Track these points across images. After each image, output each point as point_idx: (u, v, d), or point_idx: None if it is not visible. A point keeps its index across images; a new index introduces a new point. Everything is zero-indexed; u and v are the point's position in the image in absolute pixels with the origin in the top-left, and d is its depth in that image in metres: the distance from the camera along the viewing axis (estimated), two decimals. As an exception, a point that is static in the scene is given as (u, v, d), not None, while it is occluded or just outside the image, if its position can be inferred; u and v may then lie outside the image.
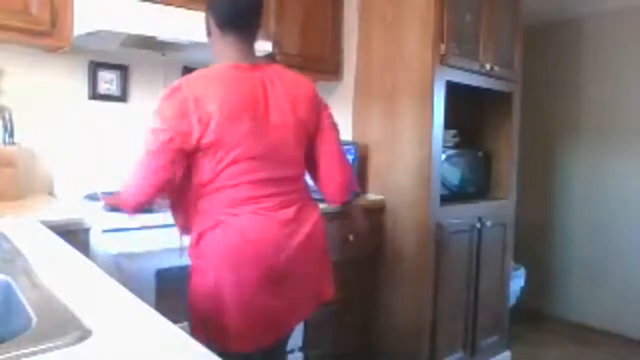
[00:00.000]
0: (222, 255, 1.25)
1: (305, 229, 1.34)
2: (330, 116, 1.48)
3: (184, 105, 1.20)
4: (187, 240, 1.36)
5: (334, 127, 1.48)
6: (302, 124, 1.35)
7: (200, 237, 1.29)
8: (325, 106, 1.47)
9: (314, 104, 1.40)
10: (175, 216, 1.39)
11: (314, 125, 1.40)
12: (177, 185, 1.27)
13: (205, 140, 1.21)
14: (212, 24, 1.32)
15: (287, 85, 1.34)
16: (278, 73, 1.36)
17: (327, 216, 2.16)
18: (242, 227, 1.26)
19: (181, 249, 1.39)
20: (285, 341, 1.55)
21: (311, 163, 1.46)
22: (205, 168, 1.26)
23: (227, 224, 1.26)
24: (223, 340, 1.25)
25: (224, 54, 1.33)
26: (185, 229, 1.37)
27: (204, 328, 1.28)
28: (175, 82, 1.26)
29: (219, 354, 1.32)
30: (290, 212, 1.31)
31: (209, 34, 1.36)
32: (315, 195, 1.53)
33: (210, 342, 1.17)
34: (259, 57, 2.21)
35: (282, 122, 1.30)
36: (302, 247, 1.32)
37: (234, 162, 1.24)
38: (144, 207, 1.30)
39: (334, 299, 1.50)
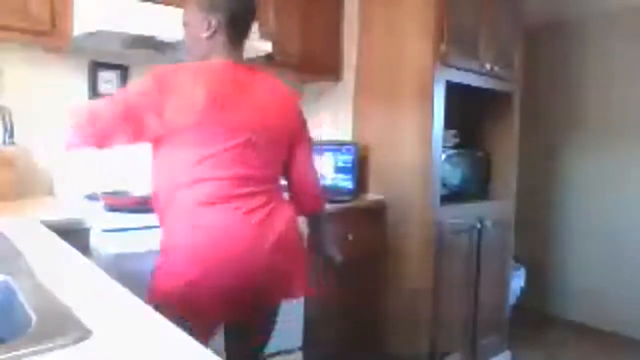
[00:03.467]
0: (190, 254, 1.24)
1: (278, 228, 1.32)
2: (308, 131, 1.51)
3: (164, 83, 1.24)
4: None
5: (311, 141, 1.51)
6: (278, 130, 1.37)
7: (170, 231, 1.30)
8: (304, 120, 1.49)
9: (294, 114, 1.44)
10: (155, 206, 1.39)
11: (291, 135, 1.41)
12: (162, 176, 1.30)
13: (171, 127, 1.23)
14: (215, 22, 1.33)
15: (271, 92, 1.38)
16: (264, 79, 1.39)
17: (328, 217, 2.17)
18: (212, 228, 1.25)
19: None
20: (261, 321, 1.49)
21: (286, 173, 1.49)
22: (179, 161, 1.27)
23: (196, 223, 1.25)
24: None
25: (214, 51, 1.34)
26: (161, 220, 1.37)
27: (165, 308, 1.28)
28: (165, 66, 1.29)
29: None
30: (263, 212, 1.30)
31: (211, 34, 1.34)
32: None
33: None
34: (247, 60, 2.23)
35: (259, 124, 1.32)
36: (275, 248, 1.30)
37: (205, 157, 1.25)
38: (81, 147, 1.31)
39: (313, 295, 1.53)
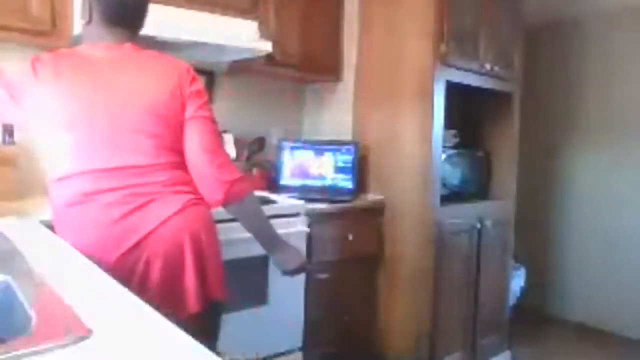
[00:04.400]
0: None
1: (150, 226, 1.15)
2: (202, 107, 1.28)
3: (37, 69, 1.21)
4: None
5: (205, 118, 1.28)
6: (157, 110, 1.21)
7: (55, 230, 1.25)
8: (198, 94, 1.28)
9: (178, 90, 1.25)
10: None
11: (176, 113, 1.24)
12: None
13: (29, 111, 1.21)
14: (95, 12, 1.27)
15: (146, 68, 1.25)
16: (137, 54, 1.27)
17: (325, 216, 2.18)
18: (73, 229, 1.17)
19: None
20: None
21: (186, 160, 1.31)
22: (49, 153, 1.22)
23: (65, 225, 1.20)
24: None
25: (91, 36, 1.29)
26: None
27: None
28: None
29: None
30: (129, 207, 1.15)
31: (88, 20, 1.29)
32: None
33: None
34: (246, 60, 2.17)
35: (130, 107, 1.20)
36: (140, 248, 1.14)
37: (66, 148, 1.18)
38: None
39: (200, 312, 1.21)
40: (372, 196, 2.44)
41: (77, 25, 1.77)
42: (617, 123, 3.25)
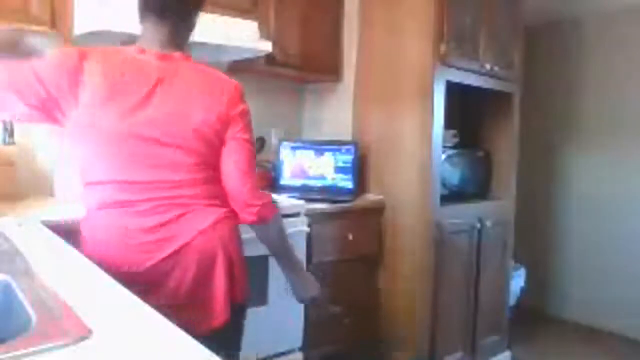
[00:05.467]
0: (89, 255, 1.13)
1: (184, 238, 1.17)
2: (244, 129, 1.27)
3: (71, 61, 1.14)
4: None
5: (245, 140, 1.27)
6: (201, 130, 1.19)
7: (82, 229, 1.25)
8: (242, 116, 1.27)
9: (225, 114, 1.23)
10: None
11: (218, 134, 1.23)
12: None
13: (67, 109, 1.13)
14: (139, 5, 1.23)
15: (195, 87, 1.22)
16: (187, 68, 1.23)
17: (325, 216, 2.18)
18: (104, 235, 1.18)
19: None
20: None
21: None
22: (78, 155, 1.19)
23: (92, 225, 1.21)
24: None
25: (142, 37, 1.24)
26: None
27: None
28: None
29: None
30: (165, 217, 1.17)
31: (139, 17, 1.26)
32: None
33: None
34: (246, 60, 2.15)
35: (174, 125, 1.17)
36: (174, 259, 1.17)
37: (100, 155, 1.16)
38: None
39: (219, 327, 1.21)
40: (372, 196, 2.44)
41: (77, 25, 1.78)
42: (616, 123, 3.25)
